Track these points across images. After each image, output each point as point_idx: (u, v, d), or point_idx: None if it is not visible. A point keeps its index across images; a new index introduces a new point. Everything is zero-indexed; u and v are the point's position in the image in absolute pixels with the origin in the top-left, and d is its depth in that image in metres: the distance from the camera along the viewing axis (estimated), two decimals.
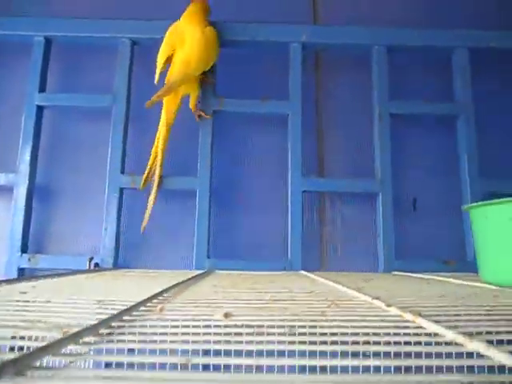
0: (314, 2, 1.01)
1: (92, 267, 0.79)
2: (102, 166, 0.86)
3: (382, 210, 0.85)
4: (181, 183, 0.85)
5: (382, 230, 0.84)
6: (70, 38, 0.91)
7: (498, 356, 0.20)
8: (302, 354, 0.24)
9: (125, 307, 0.29)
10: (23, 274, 0.83)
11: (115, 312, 0.27)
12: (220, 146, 0.91)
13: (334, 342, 0.24)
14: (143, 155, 0.88)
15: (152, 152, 0.85)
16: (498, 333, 0.25)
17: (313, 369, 0.24)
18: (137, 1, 0.98)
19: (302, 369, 0.26)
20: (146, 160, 0.86)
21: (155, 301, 0.34)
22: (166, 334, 0.24)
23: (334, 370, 0.22)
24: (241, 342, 0.23)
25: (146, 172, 0.84)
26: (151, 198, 0.83)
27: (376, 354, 0.23)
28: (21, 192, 0.84)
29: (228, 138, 0.93)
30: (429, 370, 0.24)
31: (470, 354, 0.23)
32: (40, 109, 0.88)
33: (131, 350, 0.23)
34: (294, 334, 0.25)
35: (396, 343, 0.24)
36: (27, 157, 0.85)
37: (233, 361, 0.21)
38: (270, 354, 0.25)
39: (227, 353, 0.24)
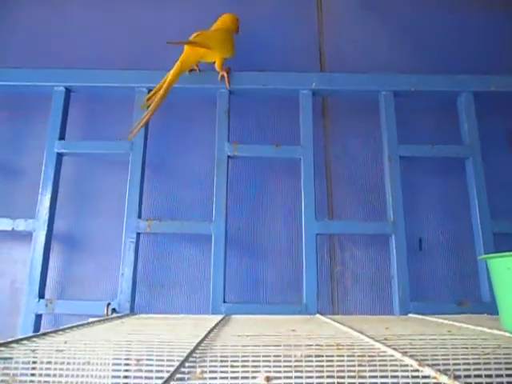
0: (321, 50, 1.05)
1: (109, 313, 0.79)
2: (118, 211, 0.88)
3: (396, 251, 0.86)
4: (196, 228, 0.87)
5: (397, 271, 0.85)
6: (90, 87, 0.95)
7: None
8: None
9: (166, 372, 0.30)
10: (40, 320, 0.84)
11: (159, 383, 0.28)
12: (235, 190, 0.94)
13: None
14: (159, 201, 0.90)
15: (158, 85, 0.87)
16: None
17: None
18: (151, 52, 1.03)
19: None
20: (162, 206, 0.88)
21: (191, 359, 0.35)
22: None
23: None
24: None
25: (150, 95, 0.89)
26: (150, 108, 0.85)
27: None
28: (39, 238, 0.86)
29: (242, 182, 0.95)
30: None
31: None
32: (59, 156, 0.91)
33: None
34: None
35: None
36: (46, 203, 0.88)
37: None
38: None
39: None
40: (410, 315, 0.81)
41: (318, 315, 0.79)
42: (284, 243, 0.93)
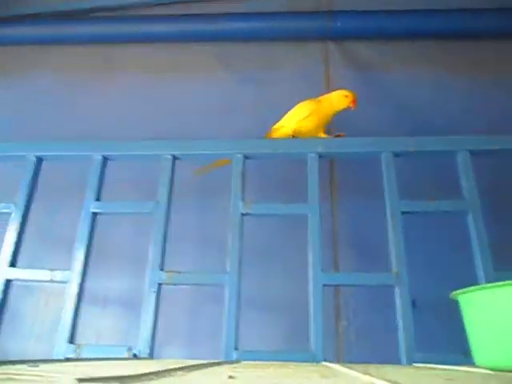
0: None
1: (131, 357, 0.86)
2: (140, 263, 0.98)
3: (400, 302, 0.89)
4: (210, 279, 0.95)
5: (402, 322, 0.88)
6: (124, 156, 1.09)
7: None
8: None
9: None
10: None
11: None
12: (247, 245, 1.02)
13: None
14: (180, 253, 1.00)
15: None
16: None
17: None
18: (179, 121, 1.18)
19: None
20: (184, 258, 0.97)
21: None
22: None
23: None
24: None
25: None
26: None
27: None
28: (73, 288, 0.96)
29: (254, 237, 1.04)
30: None
31: None
32: (94, 215, 1.03)
33: None
34: None
35: None
36: (81, 256, 0.98)
37: None
38: None
39: None
40: (414, 364, 0.83)
41: (324, 362, 0.83)
42: (291, 294, 0.99)
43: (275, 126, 1.17)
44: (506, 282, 0.49)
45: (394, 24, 1.40)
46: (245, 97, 1.23)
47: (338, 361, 0.96)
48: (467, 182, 0.99)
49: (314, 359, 0.86)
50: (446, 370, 0.63)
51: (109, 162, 1.10)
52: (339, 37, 1.30)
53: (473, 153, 1.01)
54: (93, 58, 1.48)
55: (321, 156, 1.04)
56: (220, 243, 1.01)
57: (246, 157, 1.04)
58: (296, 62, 1.28)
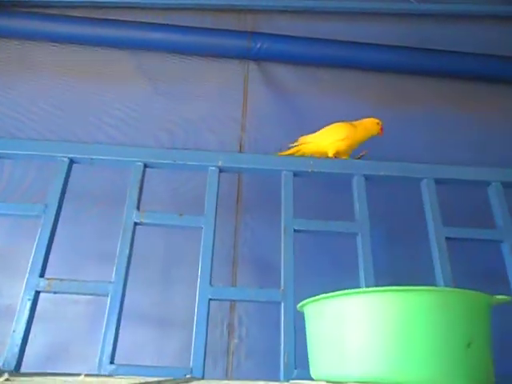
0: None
1: None
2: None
3: (284, 318, 0.90)
4: (94, 288, 0.91)
5: (283, 338, 0.88)
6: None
7: None
8: None
9: None
10: None
11: None
12: (145, 257, 1.00)
13: None
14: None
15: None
16: None
17: None
18: (82, 126, 1.14)
19: None
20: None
21: None
22: None
23: None
24: None
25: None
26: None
27: None
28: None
29: (154, 250, 1.01)
30: None
31: None
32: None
33: None
34: None
35: None
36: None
37: None
38: None
39: None
40: (291, 381, 0.83)
41: (202, 380, 0.81)
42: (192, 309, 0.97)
43: (303, 139, 1.17)
44: (336, 292, 0.51)
45: (316, 51, 1.45)
46: (157, 109, 1.21)
47: (226, 378, 0.95)
48: (359, 205, 1.03)
49: (191, 373, 0.84)
50: None
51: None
52: (260, 58, 1.33)
53: (367, 177, 1.06)
54: (7, 53, 1.42)
55: (221, 170, 1.04)
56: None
57: (146, 165, 1.03)
58: (215, 79, 1.29)
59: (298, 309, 0.59)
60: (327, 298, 0.60)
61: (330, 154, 1.13)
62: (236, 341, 0.98)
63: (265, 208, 1.10)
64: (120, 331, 0.88)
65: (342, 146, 1.13)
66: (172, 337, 0.98)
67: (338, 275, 1.04)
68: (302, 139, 1.19)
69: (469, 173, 1.08)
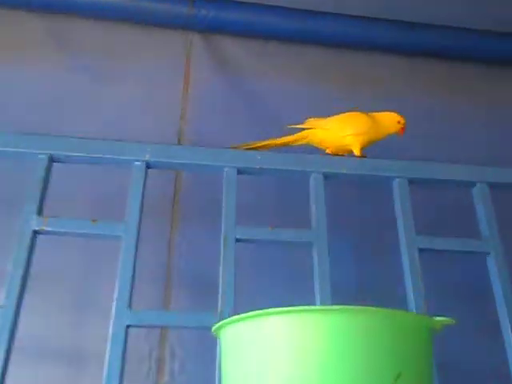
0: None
1: None
2: None
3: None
4: None
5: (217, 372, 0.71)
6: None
7: None
8: None
9: None
10: None
11: None
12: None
13: None
14: None
15: None
16: None
17: None
18: None
19: None
20: None
21: None
22: None
23: None
24: None
25: None
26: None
27: None
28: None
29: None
30: None
31: None
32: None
33: None
34: None
35: None
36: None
37: None
38: None
39: None
40: None
41: None
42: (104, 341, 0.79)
43: (313, 122, 0.94)
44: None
45: (278, 22, 1.23)
46: (80, 88, 0.99)
47: None
48: (317, 210, 0.86)
49: None
50: None
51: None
52: (205, 28, 1.11)
53: (326, 175, 0.89)
54: None
55: (149, 166, 0.85)
56: None
57: (52, 159, 0.83)
58: (148, 53, 1.07)
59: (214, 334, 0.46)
60: (242, 319, 0.50)
61: (357, 152, 0.90)
62: (167, 378, 0.80)
63: (207, 214, 0.91)
64: (14, 370, 0.70)
65: (364, 141, 0.91)
66: (85, 375, 0.79)
67: (296, 291, 0.87)
68: (312, 122, 0.94)
69: (449, 171, 0.91)
